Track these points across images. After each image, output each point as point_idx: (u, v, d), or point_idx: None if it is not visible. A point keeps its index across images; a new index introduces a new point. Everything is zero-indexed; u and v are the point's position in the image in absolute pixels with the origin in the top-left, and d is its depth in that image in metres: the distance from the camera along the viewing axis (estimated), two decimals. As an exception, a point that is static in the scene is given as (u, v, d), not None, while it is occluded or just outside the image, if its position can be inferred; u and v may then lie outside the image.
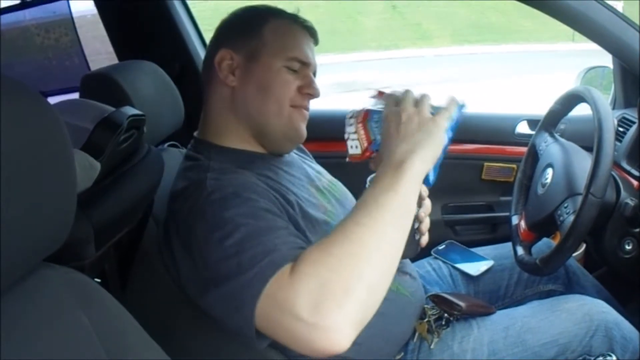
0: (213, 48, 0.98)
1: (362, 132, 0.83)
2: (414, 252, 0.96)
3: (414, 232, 0.94)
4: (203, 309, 0.80)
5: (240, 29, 0.97)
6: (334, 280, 0.64)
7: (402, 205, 0.70)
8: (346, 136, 0.84)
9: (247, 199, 0.79)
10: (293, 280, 0.66)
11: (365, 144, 0.83)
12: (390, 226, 0.69)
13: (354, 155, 0.85)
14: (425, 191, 0.95)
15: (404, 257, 0.97)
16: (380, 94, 0.85)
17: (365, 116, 0.83)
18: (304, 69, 0.96)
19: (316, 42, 1.00)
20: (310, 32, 0.99)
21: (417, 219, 0.93)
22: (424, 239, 0.96)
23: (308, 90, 0.95)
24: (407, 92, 0.79)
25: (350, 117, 0.84)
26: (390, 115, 0.77)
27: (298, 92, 0.95)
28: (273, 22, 0.96)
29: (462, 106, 0.81)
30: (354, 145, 0.84)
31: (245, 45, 0.95)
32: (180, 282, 0.82)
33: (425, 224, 0.96)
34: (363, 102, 0.85)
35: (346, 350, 0.95)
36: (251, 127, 0.96)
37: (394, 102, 0.79)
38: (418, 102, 0.77)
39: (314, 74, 0.98)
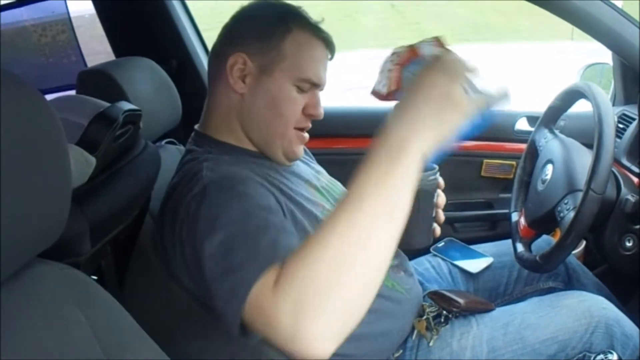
0: (226, 45, 0.94)
1: (395, 74, 0.72)
2: (429, 240, 0.92)
3: (431, 220, 0.91)
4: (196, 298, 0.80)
5: (259, 34, 0.92)
6: (311, 293, 0.58)
7: (394, 199, 0.59)
8: (380, 68, 0.74)
9: (241, 193, 0.78)
10: (274, 291, 0.62)
11: (393, 88, 0.72)
12: (377, 228, 0.59)
13: (378, 93, 0.74)
14: (442, 183, 0.94)
15: (418, 245, 0.93)
16: (438, 43, 0.71)
17: (407, 61, 0.72)
18: (312, 89, 0.94)
19: (332, 56, 0.97)
20: (330, 46, 0.96)
21: (435, 206, 0.91)
22: (438, 230, 0.95)
23: (312, 112, 0.94)
24: (453, 55, 0.64)
25: (393, 54, 0.73)
26: (425, 72, 0.63)
27: (302, 114, 0.94)
28: (295, 33, 0.91)
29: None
30: (383, 83, 0.73)
31: (262, 54, 0.91)
32: (174, 274, 0.82)
33: (441, 214, 0.94)
34: (417, 44, 0.72)
35: (345, 348, 0.94)
36: (253, 136, 0.95)
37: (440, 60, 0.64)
38: (457, 71, 0.62)
39: (322, 89, 0.96)
